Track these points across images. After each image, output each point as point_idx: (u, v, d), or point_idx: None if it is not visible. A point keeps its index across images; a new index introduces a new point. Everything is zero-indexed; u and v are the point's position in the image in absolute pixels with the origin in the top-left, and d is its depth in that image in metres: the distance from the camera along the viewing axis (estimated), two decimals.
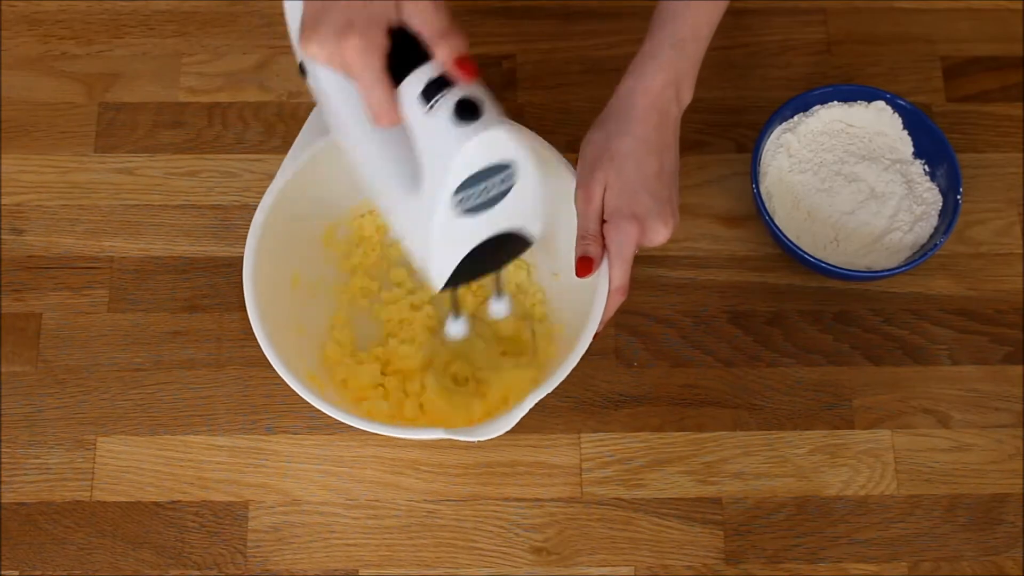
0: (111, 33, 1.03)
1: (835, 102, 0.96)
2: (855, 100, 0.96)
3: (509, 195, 0.67)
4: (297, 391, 0.78)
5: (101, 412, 0.90)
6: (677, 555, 0.87)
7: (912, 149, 0.96)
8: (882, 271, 0.91)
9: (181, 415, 0.90)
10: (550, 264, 0.91)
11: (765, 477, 0.90)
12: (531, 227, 0.71)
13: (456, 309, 0.80)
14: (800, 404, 0.92)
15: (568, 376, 0.91)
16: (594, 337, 0.80)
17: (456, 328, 0.81)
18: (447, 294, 0.77)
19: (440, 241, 0.68)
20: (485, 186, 0.66)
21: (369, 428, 0.77)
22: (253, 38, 1.03)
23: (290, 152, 0.85)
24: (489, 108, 0.64)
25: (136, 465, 0.89)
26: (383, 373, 0.89)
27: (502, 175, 0.66)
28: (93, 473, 0.89)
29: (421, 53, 0.65)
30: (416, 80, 0.64)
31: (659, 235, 0.79)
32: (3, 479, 0.88)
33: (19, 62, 1.02)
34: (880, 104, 0.96)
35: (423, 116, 0.64)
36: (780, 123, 0.96)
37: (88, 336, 0.93)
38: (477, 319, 0.89)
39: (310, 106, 0.88)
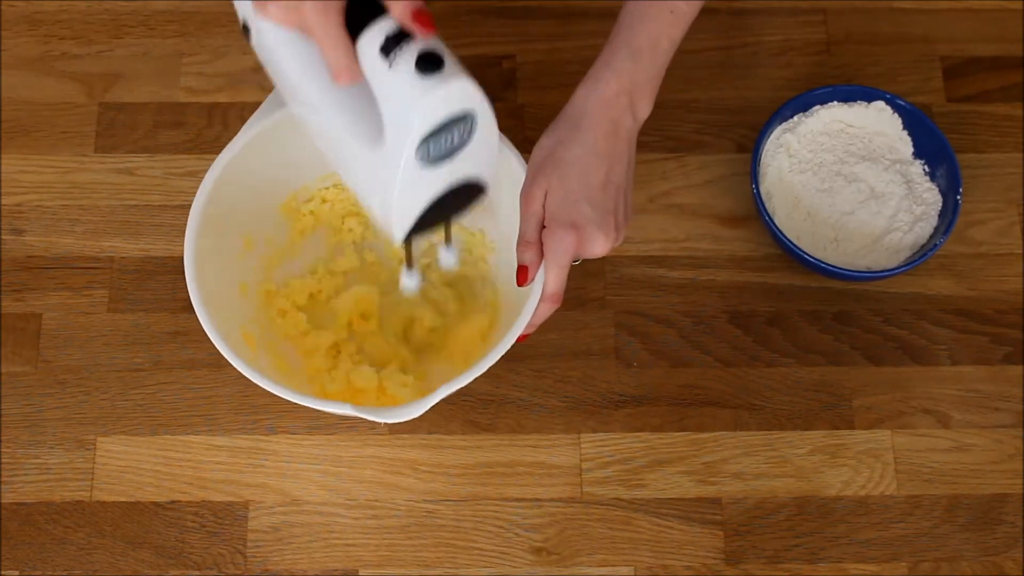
0: (111, 33, 1.03)
1: (835, 102, 0.96)
2: (855, 100, 0.96)
3: (469, 145, 0.68)
4: (210, 335, 0.78)
5: (101, 412, 0.90)
6: (677, 555, 0.87)
7: (912, 149, 0.96)
8: (882, 271, 0.91)
9: (181, 415, 0.90)
10: (495, 257, 0.92)
11: (765, 477, 0.90)
12: (488, 176, 0.71)
13: (410, 262, 0.80)
14: (800, 404, 0.92)
15: (568, 376, 0.92)
16: (519, 340, 0.78)
17: (411, 281, 0.81)
18: (402, 257, 0.79)
19: (403, 193, 0.68)
20: (446, 136, 0.66)
21: (273, 390, 0.76)
22: None
23: (248, 121, 0.85)
24: (449, 60, 0.64)
25: (136, 465, 0.89)
26: (337, 349, 0.90)
27: (463, 126, 0.66)
28: (93, 473, 0.89)
29: (376, 7, 0.65)
30: (374, 35, 0.64)
31: (598, 246, 0.77)
32: (3, 479, 0.88)
33: (19, 62, 1.02)
34: (880, 104, 0.96)
35: (385, 71, 0.64)
36: (780, 123, 0.96)
37: (88, 336, 0.93)
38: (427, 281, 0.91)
39: None
